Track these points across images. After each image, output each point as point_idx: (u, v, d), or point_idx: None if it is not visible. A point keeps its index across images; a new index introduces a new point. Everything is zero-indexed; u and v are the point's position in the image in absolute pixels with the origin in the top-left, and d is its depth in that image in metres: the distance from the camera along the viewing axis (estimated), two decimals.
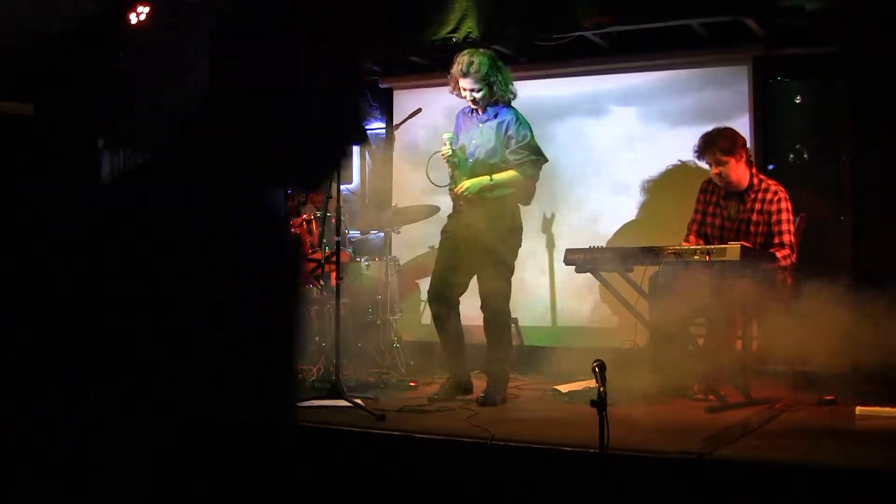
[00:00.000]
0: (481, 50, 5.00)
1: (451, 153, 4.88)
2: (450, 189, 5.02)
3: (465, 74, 4.82)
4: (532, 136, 4.90)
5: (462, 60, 4.85)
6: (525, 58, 6.87)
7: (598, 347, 5.56)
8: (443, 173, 5.09)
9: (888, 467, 3.22)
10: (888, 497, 3.10)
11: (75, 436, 2.35)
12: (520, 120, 4.90)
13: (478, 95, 4.87)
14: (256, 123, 2.43)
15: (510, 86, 4.94)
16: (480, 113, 4.98)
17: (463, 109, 5.11)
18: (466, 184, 4.83)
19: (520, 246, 5.01)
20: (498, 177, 4.85)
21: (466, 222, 4.90)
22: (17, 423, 2.36)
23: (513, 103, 4.99)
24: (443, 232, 5.10)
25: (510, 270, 4.94)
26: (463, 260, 4.95)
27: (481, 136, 4.94)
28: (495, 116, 4.93)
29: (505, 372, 5.03)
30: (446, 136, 4.94)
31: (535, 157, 4.89)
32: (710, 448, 3.54)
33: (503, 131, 4.88)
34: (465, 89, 4.88)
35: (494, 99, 4.91)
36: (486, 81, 4.84)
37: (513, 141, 4.86)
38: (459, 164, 4.94)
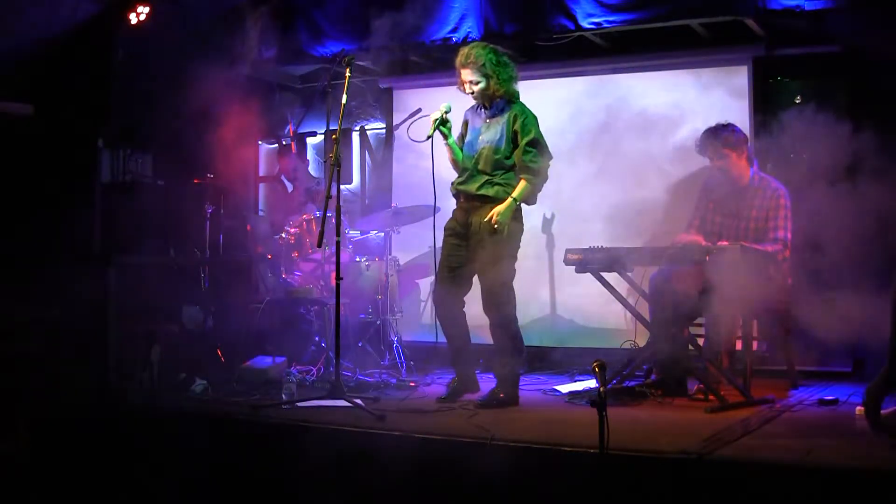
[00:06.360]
0: (483, 44, 5.08)
1: (440, 118, 4.93)
2: (456, 183, 5.03)
3: (464, 65, 4.92)
4: (539, 133, 4.92)
5: (462, 52, 4.98)
6: (525, 58, 6.86)
7: (598, 347, 5.58)
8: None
9: (888, 467, 3.21)
10: (888, 497, 3.09)
11: None
12: (526, 114, 4.92)
13: (476, 88, 4.94)
14: None
15: (512, 81, 4.96)
16: (487, 108, 5.01)
17: (472, 107, 5.15)
18: (499, 211, 4.79)
19: (519, 247, 5.00)
20: (517, 194, 4.84)
21: (473, 221, 4.90)
22: None
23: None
24: (446, 229, 5.09)
25: (513, 271, 4.93)
26: (468, 258, 4.95)
27: (487, 131, 4.98)
28: (501, 112, 4.96)
29: (513, 374, 4.94)
30: (444, 105, 5.00)
31: (543, 156, 4.90)
32: (710, 448, 3.54)
33: (510, 126, 4.91)
34: (464, 81, 4.96)
35: (494, 92, 4.93)
36: (483, 73, 4.89)
37: (518, 136, 4.88)
38: (454, 151, 5.03)
